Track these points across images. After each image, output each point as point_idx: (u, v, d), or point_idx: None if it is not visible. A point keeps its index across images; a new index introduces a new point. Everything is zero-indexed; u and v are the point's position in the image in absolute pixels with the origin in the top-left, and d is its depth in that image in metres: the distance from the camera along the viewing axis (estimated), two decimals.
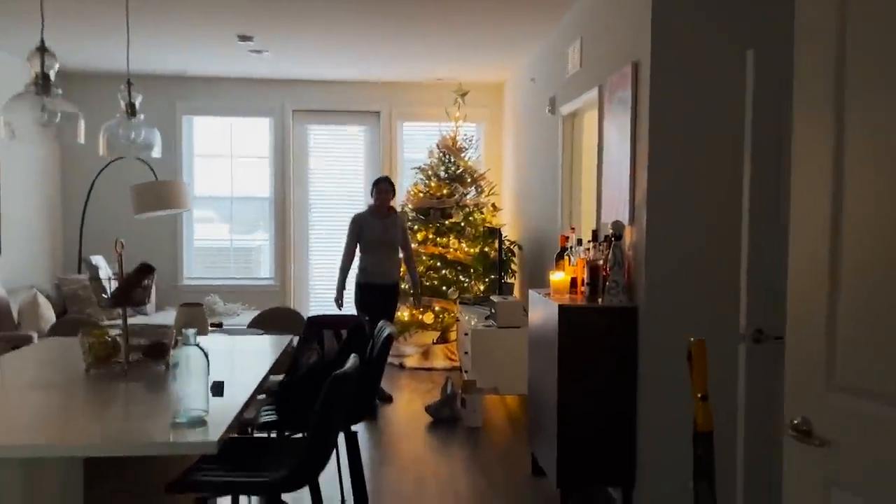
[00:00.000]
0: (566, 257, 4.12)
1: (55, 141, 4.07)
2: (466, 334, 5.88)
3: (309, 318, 3.17)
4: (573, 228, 4.16)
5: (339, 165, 8.34)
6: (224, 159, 8.30)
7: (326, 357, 2.90)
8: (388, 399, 6.02)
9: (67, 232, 7.96)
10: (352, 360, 2.33)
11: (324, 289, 8.36)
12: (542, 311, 4.05)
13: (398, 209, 7.88)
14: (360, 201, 8.39)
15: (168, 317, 7.25)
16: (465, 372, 6.05)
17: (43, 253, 7.57)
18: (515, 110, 7.50)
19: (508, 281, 7.09)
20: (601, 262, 3.77)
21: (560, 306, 3.67)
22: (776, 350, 3.13)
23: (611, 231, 3.72)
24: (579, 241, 4.11)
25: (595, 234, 3.93)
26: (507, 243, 7.16)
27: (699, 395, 2.35)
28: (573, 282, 4.01)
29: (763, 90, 2.97)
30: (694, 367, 2.32)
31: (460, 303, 6.90)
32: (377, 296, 5.68)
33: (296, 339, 3.44)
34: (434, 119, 8.09)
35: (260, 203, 8.35)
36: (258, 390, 2.70)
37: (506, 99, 8.15)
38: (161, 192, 6.97)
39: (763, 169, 3.00)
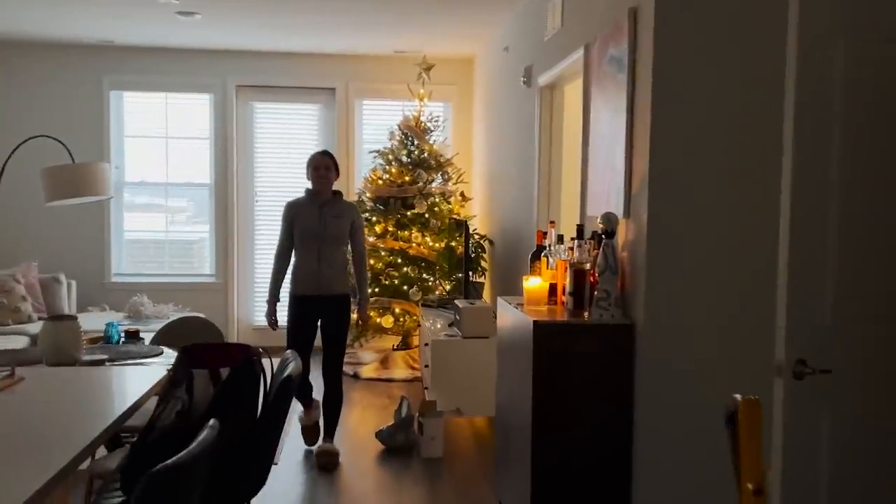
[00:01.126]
0: (543, 258, 3.28)
1: None
2: (427, 344, 5.04)
3: (182, 348, 2.28)
4: (552, 223, 3.33)
5: (289, 149, 7.43)
6: (158, 141, 7.35)
7: (194, 411, 2.02)
8: (308, 405, 4.75)
9: None
10: (206, 431, 1.47)
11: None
12: (513, 325, 3.21)
13: (355, 197, 7.02)
14: None
15: (89, 320, 6.31)
16: (426, 389, 5.21)
17: None
18: (487, 87, 6.64)
19: (478, 280, 6.24)
20: (588, 265, 2.93)
21: (536, 323, 2.83)
22: (822, 385, 2.33)
23: (600, 226, 2.89)
24: (560, 239, 3.28)
25: (580, 229, 3.09)
26: (476, 237, 6.32)
27: (750, 487, 1.51)
28: (552, 289, 3.18)
29: (815, 40, 2.13)
30: (742, 441, 1.49)
31: (423, 305, 6.05)
32: (316, 313, 4.34)
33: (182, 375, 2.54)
34: (396, 97, 7.21)
35: (199, 191, 7.42)
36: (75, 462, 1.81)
37: (476, 75, 7.28)
38: (76, 177, 6.02)
39: (811, 148, 2.17)
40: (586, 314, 2.92)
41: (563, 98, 4.42)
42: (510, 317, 3.24)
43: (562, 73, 4.09)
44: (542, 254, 3.29)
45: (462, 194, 6.77)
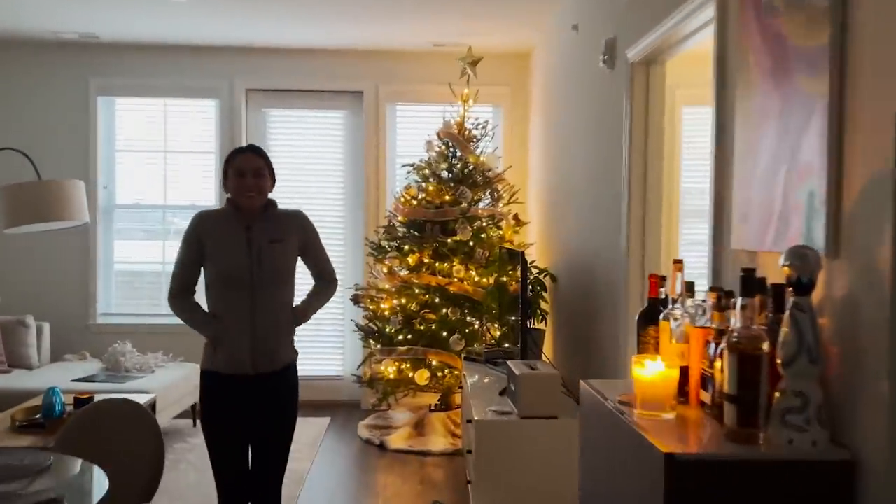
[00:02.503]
0: (663, 322, 1.94)
1: None
2: (470, 422, 3.70)
3: None
4: (678, 263, 1.98)
5: (308, 164, 6.23)
6: (156, 155, 6.22)
7: None
8: None
9: None
10: None
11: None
12: (617, 444, 1.87)
13: (384, 221, 5.75)
14: (338, 211, 6.26)
15: (50, 376, 5.16)
16: (469, 483, 3.86)
17: None
18: (548, 83, 5.34)
19: (536, 326, 4.90)
20: (763, 343, 1.58)
21: (672, 460, 1.50)
22: None
23: (785, 271, 1.55)
24: (690, 290, 1.94)
25: (749, 280, 1.74)
26: (533, 272, 4.99)
27: None
28: (684, 374, 1.83)
29: None
30: None
31: (466, 358, 4.73)
32: (248, 403, 2.88)
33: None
34: (435, 100, 5.96)
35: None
36: None
37: (533, 72, 5.99)
38: (40, 198, 4.88)
39: None
40: (761, 436, 1.57)
41: (663, 76, 3.09)
42: (610, 427, 1.90)
43: (666, 40, 2.77)
44: (661, 315, 1.95)
45: (516, 217, 5.45)
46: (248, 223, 2.90)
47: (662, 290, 2.06)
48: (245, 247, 2.86)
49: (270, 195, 2.98)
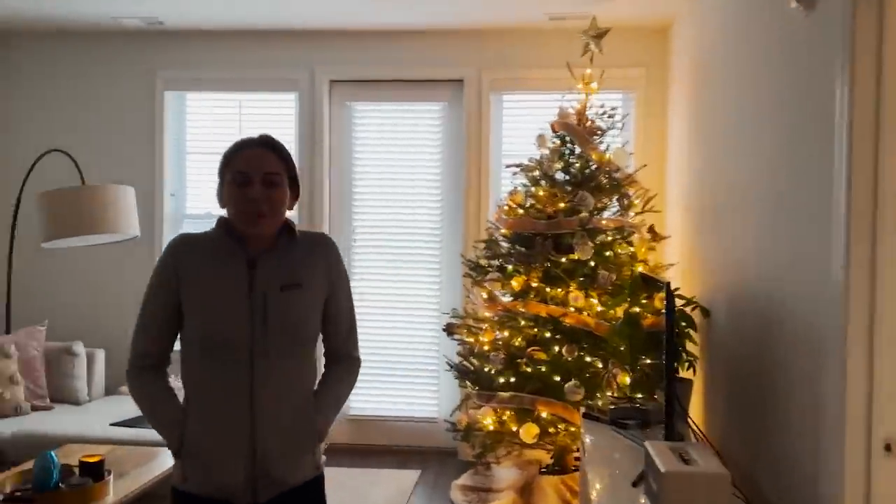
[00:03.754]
0: None
1: None
2: None
3: None
4: None
5: (399, 166, 5.30)
6: None
7: None
8: None
9: None
10: None
11: (379, 358, 5.33)
12: None
13: (483, 235, 4.70)
14: (434, 222, 5.29)
15: (92, 415, 4.46)
16: None
17: None
18: (699, 59, 4.15)
19: (681, 374, 3.72)
20: None
21: None
22: None
23: None
24: None
25: None
26: (677, 304, 3.80)
27: None
28: None
29: None
30: None
31: (586, 416, 3.60)
32: None
33: None
34: (549, 88, 4.89)
35: None
36: None
37: (675, 49, 4.81)
38: (80, 207, 4.19)
39: None
40: None
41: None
42: None
43: None
44: None
45: (651, 230, 4.29)
46: (252, 257, 1.93)
47: None
48: (244, 294, 1.90)
49: (290, 214, 2.01)
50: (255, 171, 1.90)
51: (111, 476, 3.05)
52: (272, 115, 5.40)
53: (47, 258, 5.06)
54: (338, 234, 5.31)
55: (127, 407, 4.42)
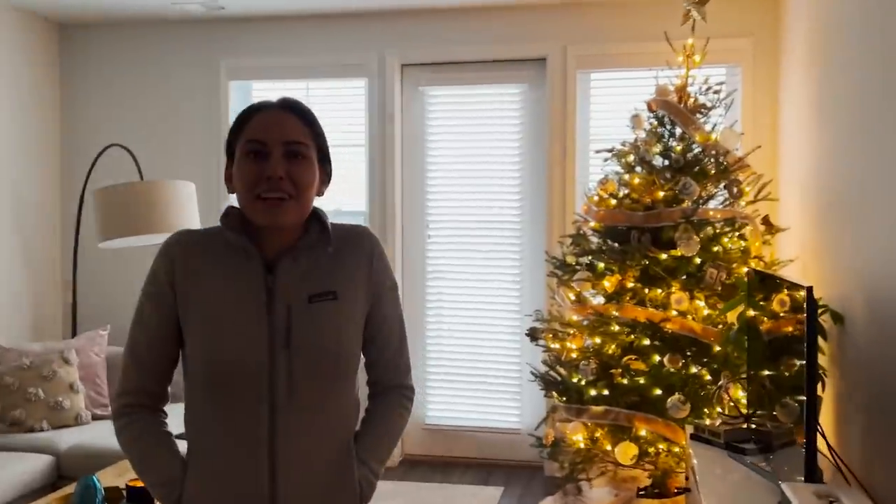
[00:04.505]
0: None
1: None
2: None
3: None
4: None
5: (477, 156, 4.88)
6: None
7: None
8: None
9: (44, 268, 5.17)
10: None
11: (456, 363, 4.95)
12: None
13: (571, 229, 4.22)
14: (513, 215, 4.86)
15: None
16: None
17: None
18: (816, 28, 3.58)
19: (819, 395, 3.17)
20: None
21: None
22: None
23: None
24: None
25: None
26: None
27: None
28: None
29: None
30: None
31: (694, 438, 3.10)
32: None
33: None
34: (643, 64, 4.38)
35: (351, 221, 5.08)
36: None
37: (789, 13, 4.22)
38: (135, 204, 3.94)
39: None
40: None
41: None
42: None
43: None
44: None
45: (766, 221, 3.74)
46: (269, 258, 1.51)
47: None
48: (260, 308, 1.47)
49: (316, 203, 1.57)
50: (275, 139, 1.46)
51: None
52: (341, 103, 5.07)
53: (110, 258, 4.86)
54: (411, 230, 4.94)
55: None
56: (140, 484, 2.76)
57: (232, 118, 5.47)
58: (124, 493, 2.78)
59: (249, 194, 1.47)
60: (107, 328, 4.54)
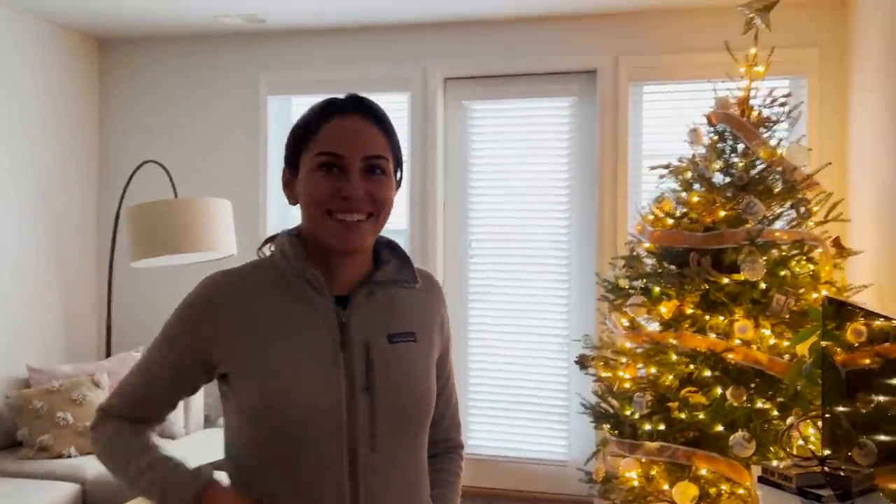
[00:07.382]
0: None
1: None
2: None
3: None
4: None
5: (522, 173, 4.67)
6: None
7: None
8: None
9: (78, 287, 5.09)
10: None
11: (499, 389, 4.72)
12: None
13: (624, 250, 3.97)
14: (560, 235, 4.63)
15: (184, 452, 4.10)
16: None
17: (41, 326, 4.68)
18: (891, 38, 3.31)
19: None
20: None
21: None
22: None
23: None
24: None
25: None
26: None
27: None
28: None
29: None
30: None
31: (762, 480, 2.83)
32: None
33: None
34: (700, 75, 4.13)
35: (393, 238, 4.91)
36: None
37: (858, 22, 3.95)
38: (169, 223, 3.80)
39: None
40: None
41: None
42: None
43: None
44: None
45: (837, 243, 3.46)
46: (338, 290, 1.31)
47: None
48: (334, 348, 1.26)
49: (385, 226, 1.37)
50: (354, 152, 1.26)
51: None
52: None
53: (144, 278, 4.75)
54: (453, 249, 4.74)
55: None
56: None
57: (271, 134, 5.27)
58: None
59: (319, 211, 1.27)
60: (139, 350, 4.42)
